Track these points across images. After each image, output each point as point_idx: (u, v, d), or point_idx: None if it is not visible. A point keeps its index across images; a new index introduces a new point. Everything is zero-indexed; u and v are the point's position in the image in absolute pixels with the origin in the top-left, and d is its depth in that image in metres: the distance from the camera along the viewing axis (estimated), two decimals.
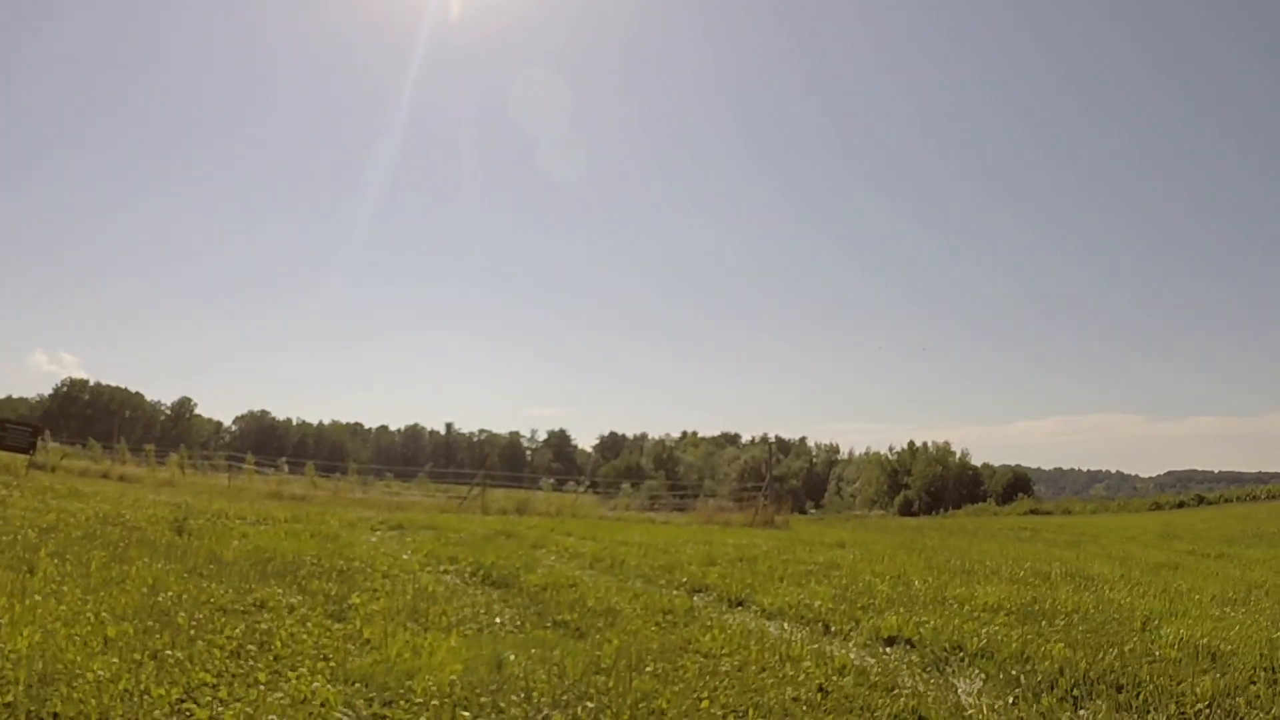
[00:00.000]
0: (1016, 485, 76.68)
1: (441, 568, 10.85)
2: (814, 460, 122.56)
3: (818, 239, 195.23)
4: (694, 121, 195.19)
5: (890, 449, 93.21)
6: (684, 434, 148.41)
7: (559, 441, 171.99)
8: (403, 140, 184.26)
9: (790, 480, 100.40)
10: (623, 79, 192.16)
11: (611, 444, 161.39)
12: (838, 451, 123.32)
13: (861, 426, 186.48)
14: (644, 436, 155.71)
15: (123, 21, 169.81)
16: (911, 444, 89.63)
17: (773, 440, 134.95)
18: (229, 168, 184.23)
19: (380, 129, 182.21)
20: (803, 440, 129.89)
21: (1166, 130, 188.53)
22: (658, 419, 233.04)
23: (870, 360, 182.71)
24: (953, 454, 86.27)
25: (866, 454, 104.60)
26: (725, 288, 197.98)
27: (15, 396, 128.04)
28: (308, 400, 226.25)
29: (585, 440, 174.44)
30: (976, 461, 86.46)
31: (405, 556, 11.71)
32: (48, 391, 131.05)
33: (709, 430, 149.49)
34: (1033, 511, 47.06)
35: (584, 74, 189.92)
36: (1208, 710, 5.99)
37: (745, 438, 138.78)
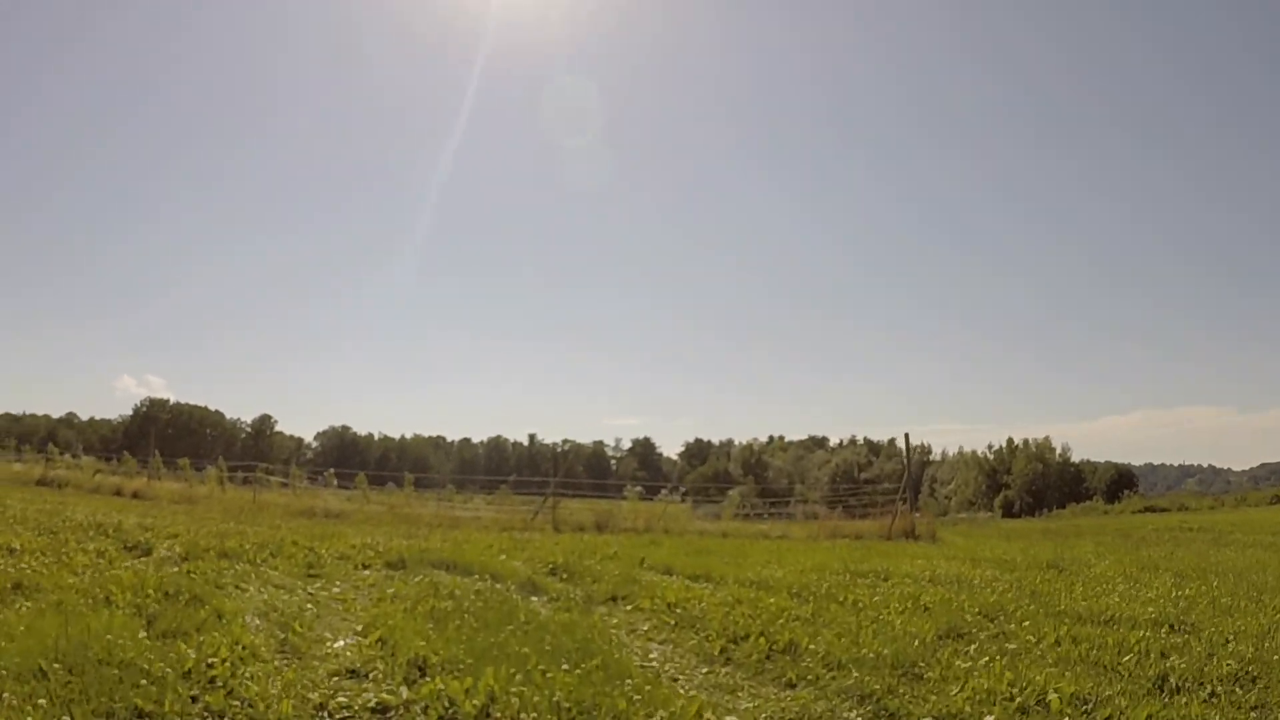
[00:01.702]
0: (1120, 482, 73.26)
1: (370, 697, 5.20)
2: (906, 462, 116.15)
3: (903, 233, 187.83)
4: (778, 111, 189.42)
5: (989, 447, 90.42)
6: (771, 438, 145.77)
7: (643, 450, 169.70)
8: (470, 145, 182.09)
9: (884, 483, 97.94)
10: (708, 67, 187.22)
11: (697, 450, 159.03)
12: (929, 452, 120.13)
13: (947, 427, 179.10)
14: (730, 442, 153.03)
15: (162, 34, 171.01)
16: (1010, 441, 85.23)
17: (861, 442, 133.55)
18: (322, 219, 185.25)
19: (445, 133, 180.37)
20: (891, 442, 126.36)
21: (1253, 113, 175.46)
22: (743, 423, 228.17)
23: (956, 358, 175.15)
24: (1052, 451, 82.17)
25: (960, 454, 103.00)
26: (809, 287, 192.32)
27: (99, 418, 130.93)
28: (389, 415, 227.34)
29: (670, 448, 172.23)
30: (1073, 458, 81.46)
31: (328, 652, 6.25)
32: (129, 411, 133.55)
33: (795, 434, 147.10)
34: (1148, 509, 44.16)
35: (667, 63, 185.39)
36: None
37: (833, 440, 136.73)
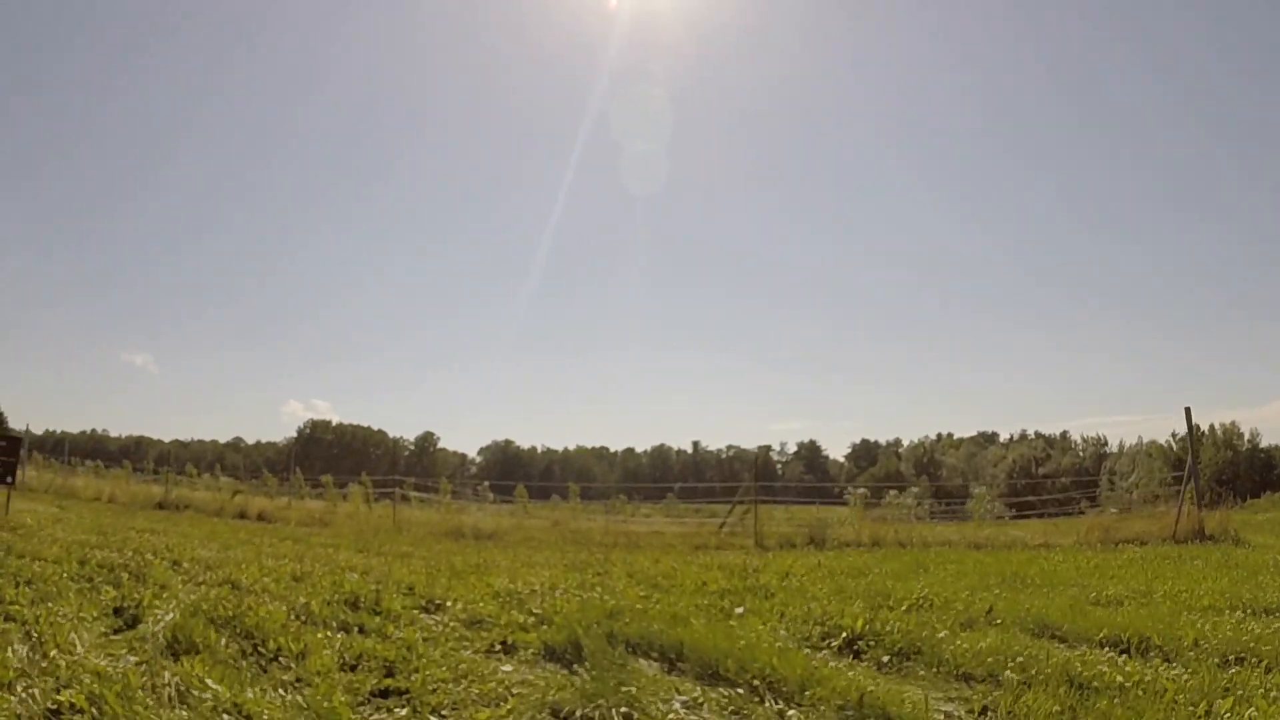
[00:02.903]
0: None
1: None
2: (1081, 455, 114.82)
3: (1055, 225, 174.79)
4: (924, 107, 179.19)
5: (1173, 435, 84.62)
6: (939, 435, 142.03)
7: (809, 453, 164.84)
8: (614, 153, 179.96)
9: (1061, 478, 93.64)
10: (847, 58, 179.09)
11: (864, 451, 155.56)
12: (1105, 444, 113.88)
13: (1118, 419, 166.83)
14: (898, 442, 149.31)
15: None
16: (1195, 428, 75.58)
17: (1033, 436, 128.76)
18: (476, 232, 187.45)
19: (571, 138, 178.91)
20: (1064, 435, 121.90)
21: None
22: (908, 422, 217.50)
23: (1119, 347, 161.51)
24: (1240, 436, 77.40)
25: (1139, 444, 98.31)
26: (963, 283, 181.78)
27: (265, 441, 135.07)
28: (552, 428, 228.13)
29: (835, 450, 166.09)
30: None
31: None
32: (294, 434, 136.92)
33: (961, 430, 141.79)
34: None
35: (808, 55, 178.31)
36: None
37: (1002, 435, 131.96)
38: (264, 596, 7.86)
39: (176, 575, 9.12)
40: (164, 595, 7.64)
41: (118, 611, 6.78)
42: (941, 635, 6.86)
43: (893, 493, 25.81)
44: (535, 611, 7.38)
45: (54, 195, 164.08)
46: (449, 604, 8.29)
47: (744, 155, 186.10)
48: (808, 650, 6.59)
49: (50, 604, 6.91)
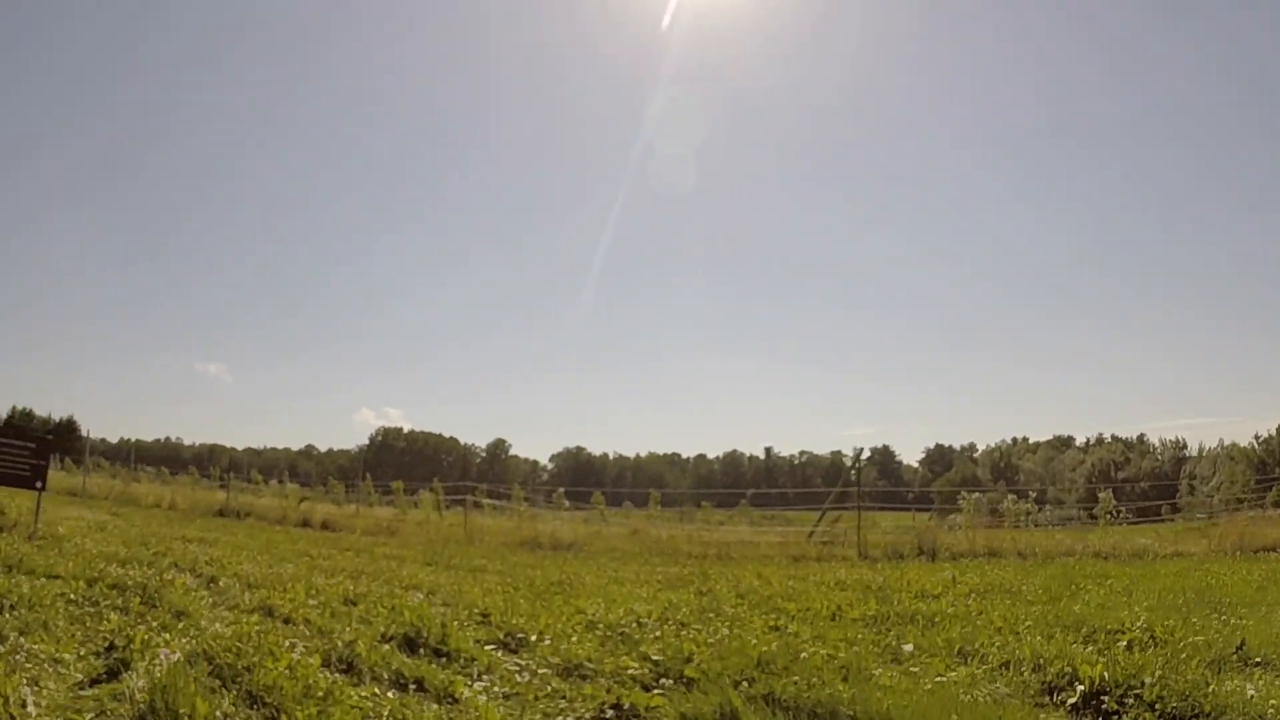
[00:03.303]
0: None
1: None
2: (1159, 458, 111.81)
3: (1134, 223, 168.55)
4: (992, 109, 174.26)
5: (1255, 438, 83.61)
6: (1014, 440, 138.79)
7: (883, 458, 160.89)
8: (678, 154, 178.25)
9: (1140, 482, 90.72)
10: (921, 67, 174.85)
11: (938, 456, 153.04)
12: (1184, 447, 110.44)
13: (1195, 421, 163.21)
14: (972, 446, 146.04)
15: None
16: None
17: (1109, 439, 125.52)
18: (544, 240, 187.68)
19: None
20: (1141, 438, 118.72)
21: None
22: (982, 427, 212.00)
23: (1195, 348, 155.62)
24: None
25: (1220, 447, 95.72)
26: (1034, 287, 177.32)
27: (337, 449, 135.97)
28: (624, 435, 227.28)
29: (908, 455, 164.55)
30: None
31: None
32: (366, 441, 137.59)
33: (1037, 434, 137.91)
34: None
35: (868, 55, 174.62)
36: None
37: (1078, 440, 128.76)
38: (302, 630, 6.22)
39: (205, 598, 7.55)
40: (177, 627, 6.05)
41: (109, 650, 5.18)
42: (1212, 686, 4.93)
43: (1011, 498, 23.60)
44: (653, 657, 5.55)
45: (127, 211, 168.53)
46: (534, 639, 6.57)
47: (805, 158, 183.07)
48: (1039, 712, 4.72)
49: (29, 637, 5.35)
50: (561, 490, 31.21)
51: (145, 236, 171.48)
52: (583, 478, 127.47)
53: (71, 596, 6.91)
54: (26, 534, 10.45)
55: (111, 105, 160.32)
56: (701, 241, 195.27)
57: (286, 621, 6.64)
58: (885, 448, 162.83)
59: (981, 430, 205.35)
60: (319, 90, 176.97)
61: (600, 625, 7.23)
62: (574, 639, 6.63)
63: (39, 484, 11.27)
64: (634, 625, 7.15)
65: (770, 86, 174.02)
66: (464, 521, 21.53)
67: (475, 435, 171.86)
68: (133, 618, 6.24)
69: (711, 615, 8.33)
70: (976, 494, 24.49)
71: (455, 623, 6.92)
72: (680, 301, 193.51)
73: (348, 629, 6.26)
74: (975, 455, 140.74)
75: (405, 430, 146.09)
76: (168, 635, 5.70)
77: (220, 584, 8.72)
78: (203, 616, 6.58)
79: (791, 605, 9.42)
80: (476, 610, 8.12)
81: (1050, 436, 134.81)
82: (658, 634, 6.73)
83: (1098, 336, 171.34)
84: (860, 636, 7.14)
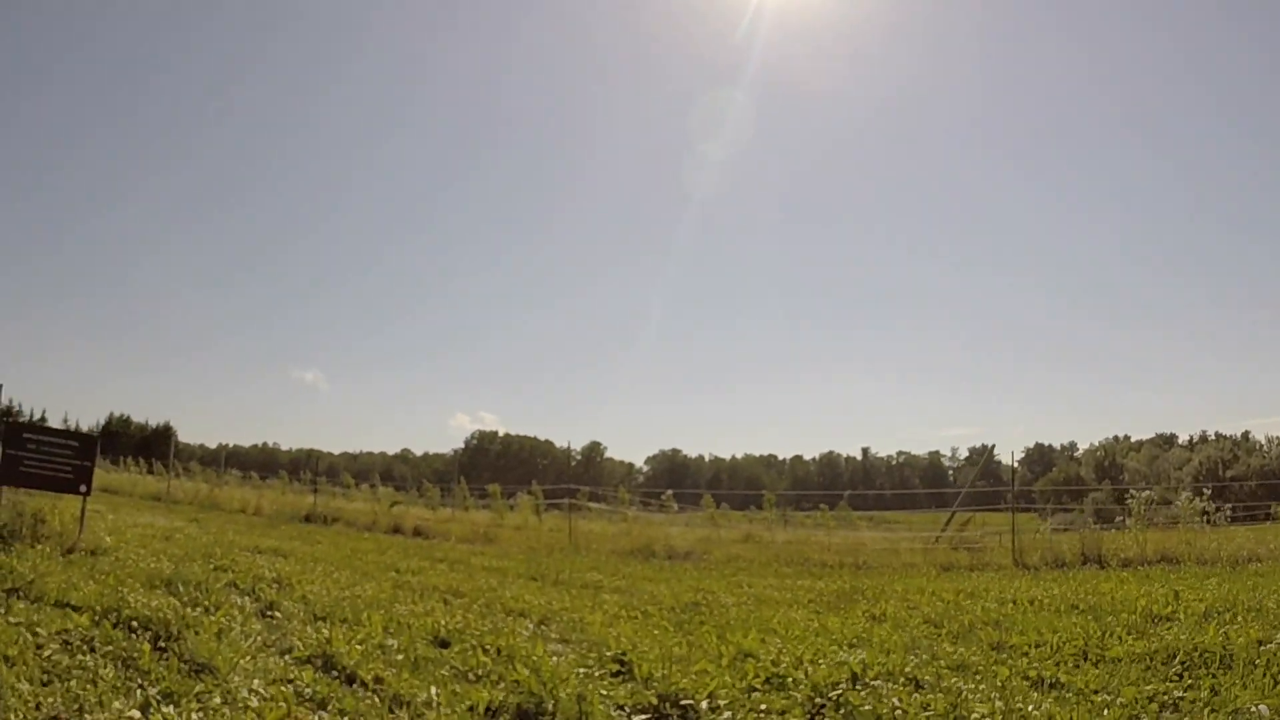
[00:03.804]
0: None
1: None
2: (1267, 456, 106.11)
3: (1216, 223, 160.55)
4: (1054, 111, 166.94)
5: None
6: (1115, 438, 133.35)
7: (982, 458, 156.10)
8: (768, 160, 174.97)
9: (1249, 481, 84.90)
10: (984, 65, 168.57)
11: (1038, 456, 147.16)
12: None
13: None
14: (1073, 445, 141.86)
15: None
16: None
17: (1212, 436, 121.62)
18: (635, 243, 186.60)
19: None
20: (1246, 435, 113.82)
21: None
22: (1081, 426, 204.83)
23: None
24: None
25: None
26: (1129, 285, 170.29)
27: (432, 452, 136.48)
28: (719, 437, 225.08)
29: (1008, 454, 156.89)
30: None
31: None
32: (461, 445, 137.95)
33: (1138, 433, 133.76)
34: None
35: (946, 64, 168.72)
36: None
37: (1181, 438, 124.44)
38: (370, 700, 4.24)
39: (250, 638, 5.65)
40: (192, 692, 4.13)
41: None
42: None
43: (1186, 495, 20.78)
44: None
45: (231, 229, 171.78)
46: (703, 706, 4.45)
47: (894, 162, 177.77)
48: None
49: None
50: (670, 493, 29.10)
51: (247, 252, 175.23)
52: (678, 479, 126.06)
53: (70, 640, 5.08)
54: (65, 546, 8.80)
55: (214, 131, 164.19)
56: (795, 241, 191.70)
57: (350, 681, 4.68)
58: (985, 446, 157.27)
59: (1083, 430, 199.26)
60: (424, 104, 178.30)
61: (790, 681, 5.10)
62: (763, 708, 4.52)
63: (83, 488, 9.64)
64: (846, 682, 4.98)
65: (849, 98, 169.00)
66: (568, 527, 19.60)
67: (570, 438, 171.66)
68: (129, 675, 4.34)
69: (928, 659, 6.11)
70: (1147, 491, 21.50)
71: (586, 677, 4.88)
72: (775, 304, 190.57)
73: (435, 695, 4.24)
74: (1076, 454, 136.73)
75: (500, 434, 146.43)
76: (165, 713, 3.76)
77: (279, 614, 6.86)
78: (234, 672, 4.66)
79: (1017, 638, 7.14)
80: (608, 653, 6.08)
81: (1152, 435, 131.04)
82: (895, 702, 4.54)
83: (1197, 334, 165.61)
84: (1169, 692, 4.86)
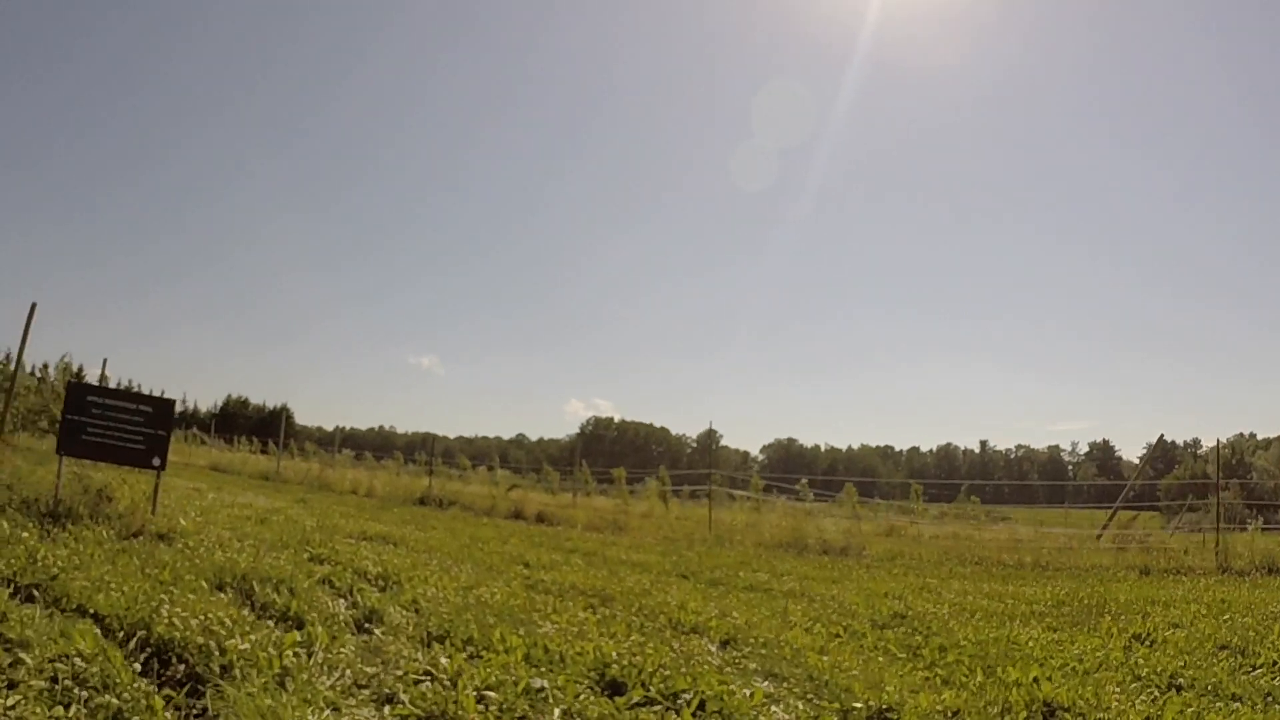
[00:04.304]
0: None
1: None
2: None
3: None
4: (1184, 97, 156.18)
5: None
6: (1239, 435, 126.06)
7: (1101, 453, 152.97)
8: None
9: None
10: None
11: (1159, 452, 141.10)
12: None
13: None
14: (1196, 442, 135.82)
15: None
16: None
17: None
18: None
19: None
20: None
21: None
22: (1203, 422, 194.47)
23: None
24: None
25: None
26: (1245, 277, 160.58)
27: (547, 438, 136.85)
28: (834, 426, 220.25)
29: (1128, 450, 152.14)
30: None
31: None
32: (576, 431, 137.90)
33: (1265, 430, 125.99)
34: None
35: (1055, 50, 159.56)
36: None
37: None
38: None
39: (331, 671, 3.80)
40: None
41: None
42: None
43: None
44: None
45: (349, 212, 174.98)
46: None
47: (1013, 151, 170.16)
48: None
49: None
50: (805, 480, 26.80)
51: (365, 236, 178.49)
52: (794, 468, 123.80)
53: (51, 674, 3.29)
54: (129, 529, 7.20)
55: (332, 113, 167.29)
56: (916, 234, 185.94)
57: None
58: (1104, 442, 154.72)
59: (1205, 426, 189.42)
60: (539, 93, 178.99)
61: None
62: None
63: (155, 461, 8.04)
64: None
65: (962, 84, 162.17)
66: (706, 516, 17.58)
67: (685, 425, 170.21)
68: None
69: None
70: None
71: None
72: (891, 296, 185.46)
73: None
74: (1200, 451, 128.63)
75: (616, 420, 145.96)
76: None
77: (381, 628, 5.04)
78: None
79: None
80: (855, 704, 4.07)
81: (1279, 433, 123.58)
82: None
83: None
84: None
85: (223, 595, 5.43)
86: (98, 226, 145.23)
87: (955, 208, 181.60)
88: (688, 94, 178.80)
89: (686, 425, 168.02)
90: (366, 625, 5.19)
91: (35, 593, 4.81)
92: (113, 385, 20.62)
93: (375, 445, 50.66)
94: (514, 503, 19.32)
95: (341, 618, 5.31)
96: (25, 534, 6.28)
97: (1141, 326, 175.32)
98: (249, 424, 46.10)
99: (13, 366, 11.62)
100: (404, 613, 5.62)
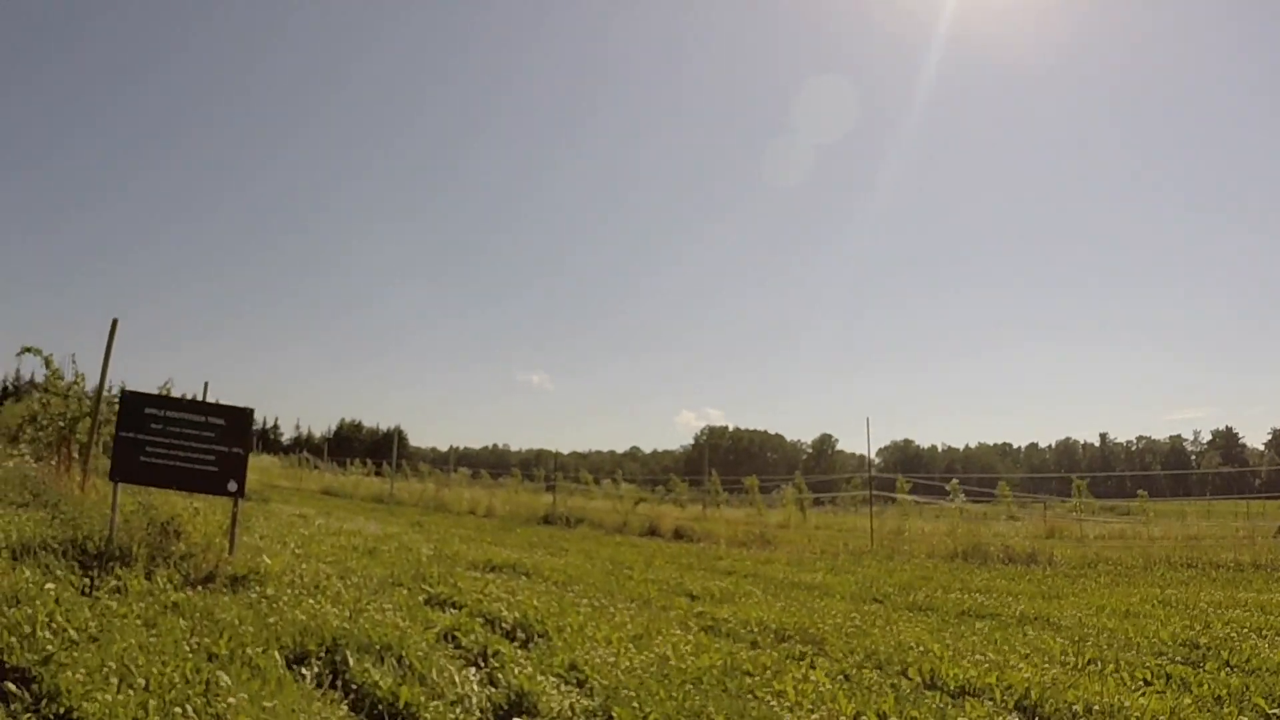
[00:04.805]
0: None
1: None
2: None
3: None
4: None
5: None
6: None
7: (1225, 442, 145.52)
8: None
9: None
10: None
11: None
12: None
13: None
14: None
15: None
16: None
17: None
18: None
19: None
20: None
21: None
22: None
23: None
24: None
25: None
26: None
27: (661, 449, 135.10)
28: (950, 425, 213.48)
29: (1253, 438, 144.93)
30: None
31: None
32: (689, 441, 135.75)
33: None
34: None
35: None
36: None
37: None
38: None
39: None
40: None
41: None
42: None
43: None
44: None
45: (447, 226, 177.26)
46: None
47: (1127, 137, 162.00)
48: None
49: None
50: (955, 480, 24.40)
51: (461, 251, 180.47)
52: (911, 471, 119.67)
53: None
54: (200, 573, 5.62)
55: (425, 121, 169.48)
56: (1024, 228, 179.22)
57: None
58: (1228, 430, 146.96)
59: None
60: (615, 97, 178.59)
61: None
62: None
63: (232, 485, 6.42)
64: None
65: (1070, 61, 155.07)
66: (870, 526, 15.41)
67: (799, 433, 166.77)
68: None
69: None
70: None
71: None
72: (1005, 290, 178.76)
73: None
74: None
75: (730, 429, 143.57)
76: None
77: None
78: None
79: None
80: None
81: None
82: None
83: None
84: None
85: (302, 673, 3.72)
86: (184, 251, 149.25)
87: (1085, 207, 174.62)
88: (756, 89, 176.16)
89: (800, 432, 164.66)
90: (508, 714, 3.42)
91: (21, 680, 3.19)
92: None
93: (490, 463, 49.73)
94: (645, 518, 17.56)
95: (475, 702, 3.55)
96: (52, 586, 4.70)
97: (1264, 303, 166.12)
98: (363, 447, 45.64)
99: (98, 387, 10.23)
100: (563, 689, 3.84)
